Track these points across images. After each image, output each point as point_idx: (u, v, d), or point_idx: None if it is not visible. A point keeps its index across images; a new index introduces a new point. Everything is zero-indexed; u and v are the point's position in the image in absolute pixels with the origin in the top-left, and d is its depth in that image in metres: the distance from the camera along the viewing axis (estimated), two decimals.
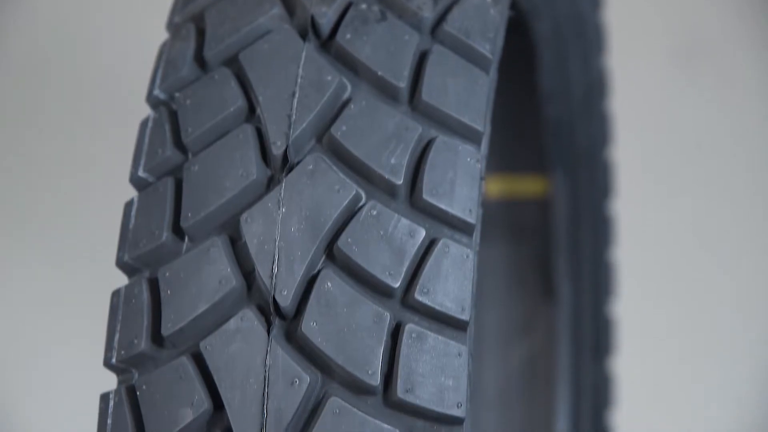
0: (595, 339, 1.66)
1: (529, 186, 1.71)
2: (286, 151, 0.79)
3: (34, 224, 1.86)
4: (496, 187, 1.72)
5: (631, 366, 1.75)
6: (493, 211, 1.69)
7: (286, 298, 0.76)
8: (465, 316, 0.77)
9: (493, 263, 1.71)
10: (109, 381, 0.81)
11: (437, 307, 0.77)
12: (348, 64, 0.82)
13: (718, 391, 1.88)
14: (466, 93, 0.82)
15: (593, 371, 1.67)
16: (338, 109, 0.81)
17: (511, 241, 1.72)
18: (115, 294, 0.81)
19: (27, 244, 1.86)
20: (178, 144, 0.83)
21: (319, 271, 0.77)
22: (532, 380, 1.70)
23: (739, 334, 1.90)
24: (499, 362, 1.71)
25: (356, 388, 0.76)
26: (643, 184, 1.89)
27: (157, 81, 0.86)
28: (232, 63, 0.84)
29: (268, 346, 0.76)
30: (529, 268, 1.71)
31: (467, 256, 0.78)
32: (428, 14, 0.83)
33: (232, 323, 0.77)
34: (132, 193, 0.84)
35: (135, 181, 0.84)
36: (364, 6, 0.83)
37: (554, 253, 1.66)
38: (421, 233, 0.78)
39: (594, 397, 1.67)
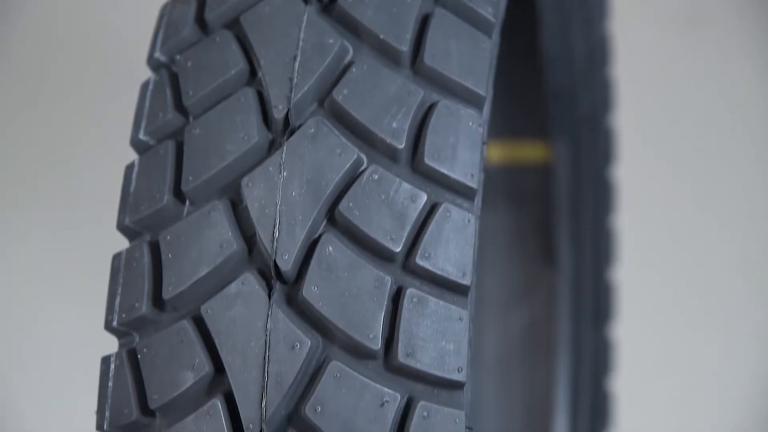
0: (595, 305, 1.66)
1: (530, 152, 1.71)
2: (287, 114, 0.79)
3: (34, 187, 1.86)
4: (497, 152, 1.72)
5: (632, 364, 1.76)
6: (495, 177, 1.69)
7: (287, 262, 0.76)
8: (466, 281, 0.77)
9: (494, 229, 1.71)
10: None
11: (438, 272, 0.77)
12: (350, 27, 0.81)
13: (719, 384, 1.87)
14: (469, 57, 0.81)
15: (593, 337, 1.67)
16: (340, 73, 0.80)
17: (512, 208, 1.72)
18: (116, 257, 0.81)
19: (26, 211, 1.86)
20: (179, 107, 0.83)
21: (320, 236, 0.77)
22: (532, 346, 1.71)
23: (741, 319, 1.89)
24: (499, 328, 1.71)
25: (357, 352, 0.76)
26: (643, 149, 1.88)
27: (158, 43, 0.86)
28: (234, 25, 0.83)
29: (269, 310, 0.76)
30: (529, 234, 1.71)
31: (469, 221, 0.78)
32: None
33: (233, 287, 0.77)
34: (133, 155, 0.84)
35: (135, 143, 0.84)
36: None
37: (555, 219, 1.66)
38: (423, 198, 0.78)
39: (594, 363, 1.67)
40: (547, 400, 1.67)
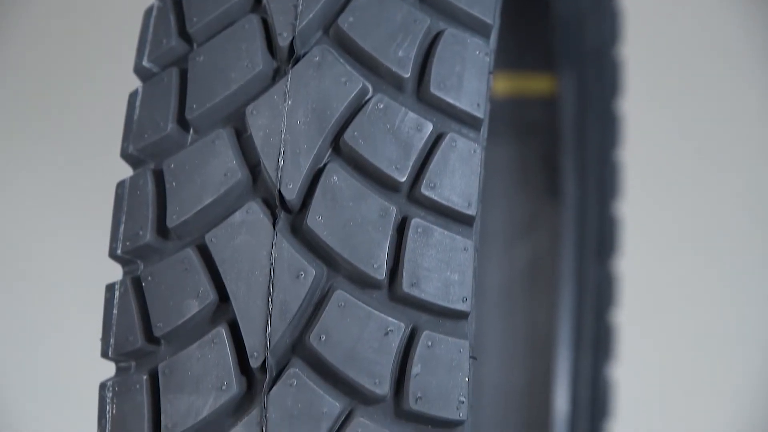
0: (599, 238, 1.66)
1: (536, 84, 1.70)
2: (292, 42, 0.78)
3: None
4: (503, 85, 1.71)
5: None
6: (500, 109, 1.68)
7: (291, 191, 0.76)
8: (471, 211, 0.77)
9: (499, 162, 1.70)
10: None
11: (443, 202, 0.77)
12: None
13: (719, 384, 1.88)
14: None
15: (597, 271, 1.67)
16: (345, 0, 0.79)
17: (517, 140, 1.71)
18: (120, 185, 0.80)
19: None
20: (183, 34, 0.82)
21: (325, 165, 0.77)
22: (536, 279, 1.71)
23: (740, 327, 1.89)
24: (502, 261, 1.72)
25: (361, 281, 0.76)
26: (646, 147, 1.86)
27: None
28: None
29: (273, 238, 0.76)
30: (534, 167, 1.71)
31: (474, 151, 0.78)
32: None
33: (238, 216, 0.76)
34: (136, 83, 0.83)
35: (139, 70, 0.83)
36: None
37: (560, 152, 1.65)
38: (428, 127, 0.77)
39: (597, 297, 1.68)
40: (550, 333, 1.68)
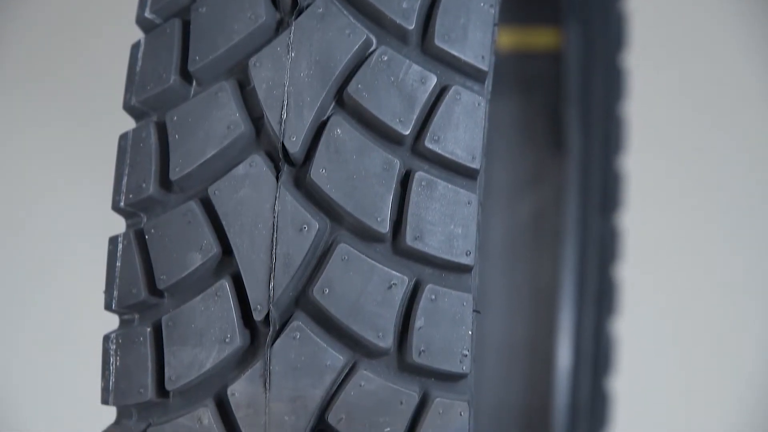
0: (603, 193, 1.65)
1: (541, 38, 1.69)
2: None
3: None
4: (508, 39, 1.70)
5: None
6: (505, 63, 1.67)
7: (295, 144, 0.76)
8: (475, 165, 0.77)
9: (503, 116, 1.70)
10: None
11: (447, 155, 0.76)
12: None
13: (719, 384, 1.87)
14: None
15: (600, 225, 1.67)
16: None
17: (522, 94, 1.71)
18: (123, 137, 0.80)
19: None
20: None
21: (328, 118, 0.76)
22: (539, 234, 1.71)
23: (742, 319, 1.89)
24: (506, 216, 1.71)
25: (365, 235, 0.76)
26: (648, 150, 1.85)
27: None
28: None
29: (276, 192, 0.75)
30: (539, 121, 1.70)
31: (479, 104, 0.77)
32: None
33: (241, 169, 0.76)
34: (138, 35, 0.83)
35: (141, 22, 0.82)
36: None
37: (565, 106, 1.64)
38: (433, 80, 0.77)
39: (600, 251, 1.68)
40: (553, 287, 1.68)
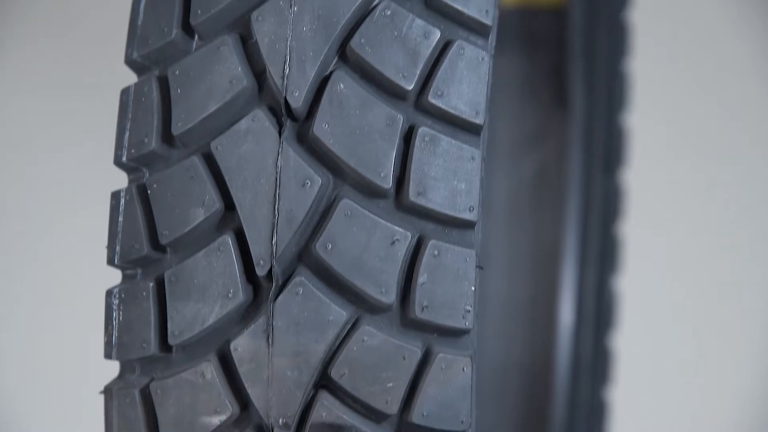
0: (606, 150, 1.65)
1: None
2: None
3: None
4: None
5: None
6: (509, 20, 1.66)
7: (297, 99, 0.75)
8: (479, 120, 0.76)
9: (507, 73, 1.69)
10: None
11: (451, 111, 0.76)
12: None
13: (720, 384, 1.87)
14: None
15: (604, 182, 1.67)
16: None
17: (526, 51, 1.70)
18: (125, 92, 0.80)
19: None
20: None
21: (331, 72, 0.76)
22: (542, 191, 1.71)
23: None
24: (509, 173, 1.71)
25: (368, 190, 0.75)
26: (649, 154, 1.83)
27: None
28: None
29: (279, 147, 0.75)
30: (542, 78, 1.69)
31: (482, 59, 0.77)
32: None
33: (243, 123, 0.76)
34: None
35: None
36: None
37: (569, 62, 1.63)
38: (436, 34, 0.76)
39: (603, 209, 1.67)
40: (556, 244, 1.68)
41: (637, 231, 1.75)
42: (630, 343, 1.74)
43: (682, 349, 1.85)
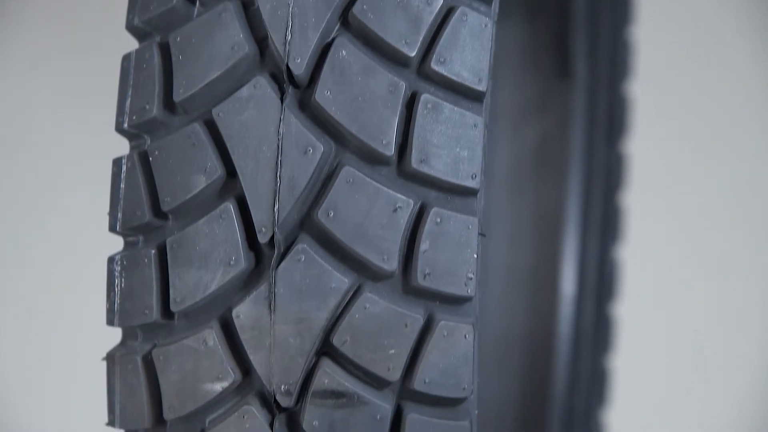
0: (609, 119, 1.64)
1: None
2: None
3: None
4: None
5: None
6: None
7: (299, 65, 0.75)
8: (482, 87, 0.76)
9: (509, 42, 1.68)
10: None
11: (454, 77, 0.76)
12: None
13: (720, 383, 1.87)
14: None
15: (606, 152, 1.67)
16: None
17: (528, 19, 1.69)
18: (126, 58, 0.79)
19: None
20: None
21: (333, 39, 0.76)
22: (545, 160, 1.70)
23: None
24: (512, 142, 1.71)
25: (370, 157, 0.75)
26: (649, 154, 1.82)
27: None
28: None
29: (281, 114, 0.75)
30: (545, 47, 1.69)
31: (485, 26, 0.76)
32: None
33: (245, 90, 0.76)
34: None
35: None
36: None
37: (572, 31, 1.63)
38: (439, 1, 0.76)
39: (606, 178, 1.67)
40: (558, 213, 1.68)
41: (638, 230, 1.75)
42: (629, 342, 1.75)
43: (682, 346, 1.86)
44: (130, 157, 0.79)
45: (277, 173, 0.74)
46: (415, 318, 0.75)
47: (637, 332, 1.77)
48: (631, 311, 1.74)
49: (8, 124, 1.78)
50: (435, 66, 0.75)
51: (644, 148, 1.73)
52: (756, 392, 1.80)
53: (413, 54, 0.75)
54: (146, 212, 0.77)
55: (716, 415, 1.82)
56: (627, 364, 1.74)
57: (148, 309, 0.77)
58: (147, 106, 0.78)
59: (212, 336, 0.76)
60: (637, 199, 1.73)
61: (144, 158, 0.78)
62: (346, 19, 0.76)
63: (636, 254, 1.74)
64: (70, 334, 1.71)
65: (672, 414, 1.83)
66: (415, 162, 0.75)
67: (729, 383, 1.83)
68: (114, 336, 0.81)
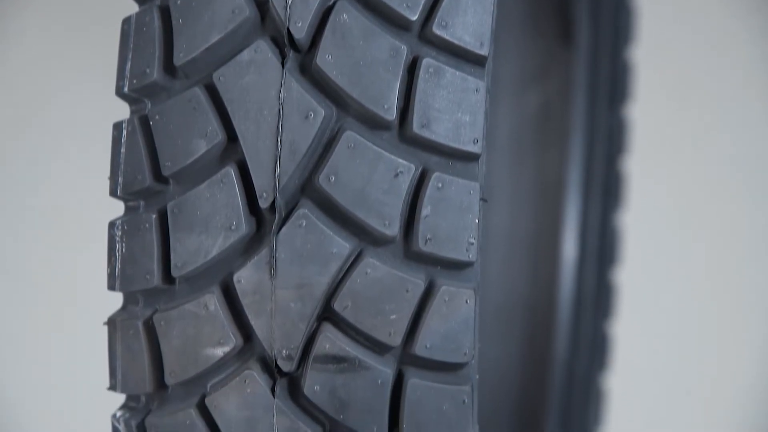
0: (611, 85, 1.64)
1: None
2: None
3: None
4: None
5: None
6: None
7: (300, 29, 0.74)
8: (484, 51, 0.76)
9: (511, 6, 1.67)
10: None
11: (455, 42, 0.75)
12: None
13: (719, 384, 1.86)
14: None
15: (608, 117, 1.66)
16: None
17: None
18: (126, 21, 0.79)
19: None
20: None
21: (334, 2, 0.75)
22: (547, 126, 1.70)
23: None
24: (514, 107, 1.70)
25: (371, 122, 0.75)
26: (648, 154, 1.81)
27: None
28: None
29: (282, 78, 0.75)
30: (547, 12, 1.68)
31: None
32: None
33: (246, 54, 0.75)
34: None
35: None
36: None
37: None
38: None
39: (608, 144, 1.67)
40: (559, 179, 1.68)
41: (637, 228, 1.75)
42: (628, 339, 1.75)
43: (681, 344, 1.86)
44: (130, 121, 0.78)
45: (278, 138, 0.74)
46: (417, 283, 0.75)
47: (637, 298, 1.78)
48: (632, 277, 1.74)
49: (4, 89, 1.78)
50: (437, 30, 0.75)
51: (646, 113, 1.73)
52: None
53: (415, 18, 0.75)
54: (147, 177, 0.77)
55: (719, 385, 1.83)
56: (627, 331, 1.74)
57: (149, 274, 0.77)
58: (147, 70, 0.77)
59: (213, 301, 0.76)
60: (639, 165, 1.72)
61: (144, 122, 0.78)
62: None
63: (637, 220, 1.74)
64: (69, 334, 1.71)
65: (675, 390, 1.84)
66: (416, 127, 0.75)
67: (733, 349, 1.83)
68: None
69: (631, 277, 1.73)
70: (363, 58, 0.74)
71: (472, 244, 0.75)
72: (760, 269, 1.84)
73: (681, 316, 1.85)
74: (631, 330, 1.75)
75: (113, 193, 0.79)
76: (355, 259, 0.75)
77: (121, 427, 0.80)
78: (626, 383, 1.74)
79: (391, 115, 0.74)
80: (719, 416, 1.82)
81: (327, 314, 0.75)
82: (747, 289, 1.84)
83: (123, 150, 0.78)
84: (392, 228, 0.74)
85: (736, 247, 1.85)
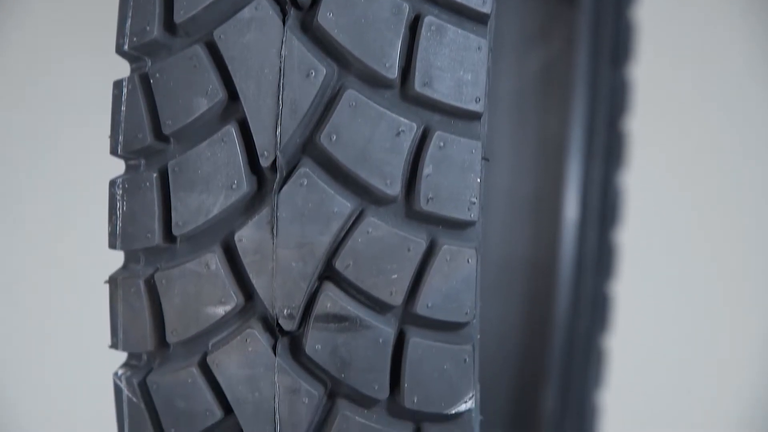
0: (614, 44, 1.63)
1: None
2: None
3: None
4: None
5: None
6: None
7: None
8: (486, 9, 0.75)
9: None
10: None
11: None
12: None
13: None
14: None
15: (611, 77, 1.65)
16: None
17: None
18: None
19: None
20: None
21: None
22: (549, 85, 1.69)
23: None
24: (516, 67, 1.69)
25: (373, 81, 0.74)
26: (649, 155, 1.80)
27: None
28: None
29: (283, 36, 0.74)
30: None
31: None
32: None
33: (247, 12, 0.75)
34: None
35: None
36: None
37: None
38: None
39: (610, 104, 1.66)
40: (561, 139, 1.67)
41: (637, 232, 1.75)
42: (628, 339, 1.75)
43: (681, 344, 1.86)
44: (131, 79, 0.78)
45: (279, 96, 0.74)
46: (418, 242, 0.75)
47: (637, 260, 1.78)
48: (633, 239, 1.74)
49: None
50: None
51: (649, 74, 1.72)
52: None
53: None
54: (147, 135, 0.77)
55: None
56: (627, 331, 1.75)
57: (150, 233, 0.77)
58: (148, 28, 0.77)
59: (215, 260, 0.76)
60: (642, 124, 1.72)
61: (145, 80, 0.77)
62: None
63: (639, 179, 1.74)
64: (69, 331, 1.72)
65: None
66: (418, 85, 0.74)
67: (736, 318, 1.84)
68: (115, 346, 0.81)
69: (633, 240, 1.74)
70: (365, 15, 0.74)
71: (474, 203, 0.75)
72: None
73: (681, 316, 1.86)
74: (631, 330, 1.75)
75: (114, 151, 0.78)
76: (357, 218, 0.75)
77: (123, 384, 0.80)
78: (626, 383, 1.75)
79: (393, 73, 0.74)
80: (719, 416, 1.82)
81: (328, 273, 0.75)
82: (750, 284, 1.84)
83: (123, 108, 0.78)
84: (394, 187, 0.74)
85: (737, 210, 1.85)
